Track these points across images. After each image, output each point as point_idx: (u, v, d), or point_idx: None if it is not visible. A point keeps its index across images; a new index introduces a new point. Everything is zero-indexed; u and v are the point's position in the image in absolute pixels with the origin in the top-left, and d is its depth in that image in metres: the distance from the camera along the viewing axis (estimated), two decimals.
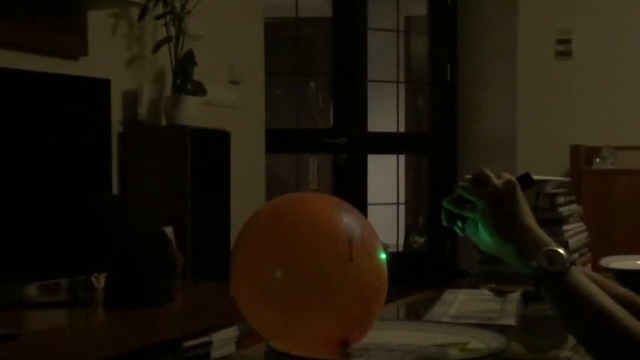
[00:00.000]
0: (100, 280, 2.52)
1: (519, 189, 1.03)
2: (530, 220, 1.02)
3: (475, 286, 1.66)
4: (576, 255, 1.74)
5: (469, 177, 1.07)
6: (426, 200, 6.04)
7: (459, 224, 1.09)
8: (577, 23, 5.20)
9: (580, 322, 0.94)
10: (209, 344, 2.68)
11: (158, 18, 3.42)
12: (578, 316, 0.94)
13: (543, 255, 0.96)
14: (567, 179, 1.95)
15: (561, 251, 0.96)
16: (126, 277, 2.44)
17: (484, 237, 1.05)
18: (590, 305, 0.93)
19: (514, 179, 1.04)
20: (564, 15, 5.23)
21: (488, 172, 1.04)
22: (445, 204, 1.09)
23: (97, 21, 3.22)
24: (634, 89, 5.09)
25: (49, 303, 2.48)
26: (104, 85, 2.90)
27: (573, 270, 0.96)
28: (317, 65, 6.71)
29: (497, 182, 1.03)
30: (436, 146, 5.80)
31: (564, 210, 1.77)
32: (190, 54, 3.45)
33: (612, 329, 0.91)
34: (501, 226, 1.02)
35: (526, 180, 1.06)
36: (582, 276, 0.96)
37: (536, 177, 1.10)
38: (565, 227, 1.74)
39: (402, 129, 6.15)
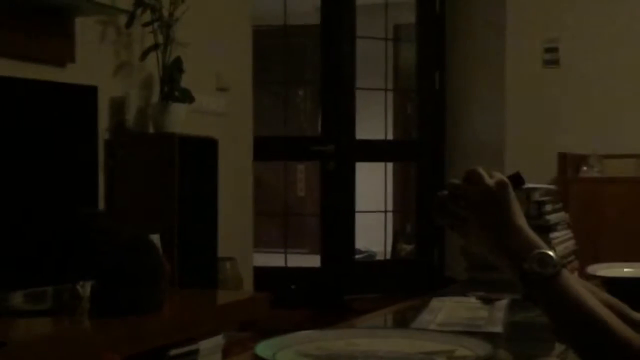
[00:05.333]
0: (85, 288, 2.50)
1: (510, 189, 1.02)
2: (521, 221, 1.01)
3: (463, 293, 1.66)
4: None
5: (457, 182, 1.06)
6: (414, 207, 6.04)
7: (449, 221, 1.07)
8: (564, 32, 5.23)
9: (570, 325, 0.94)
10: (195, 352, 2.66)
11: (145, 25, 3.41)
12: (568, 319, 0.94)
13: (534, 257, 0.96)
14: (554, 187, 1.96)
15: (552, 254, 0.96)
16: (113, 285, 2.43)
17: (474, 236, 1.04)
18: (580, 309, 0.93)
19: (505, 178, 1.03)
20: (551, 24, 5.26)
21: (480, 170, 1.03)
22: (436, 200, 1.06)
23: (85, 28, 3.21)
24: (621, 97, 5.11)
25: (34, 311, 2.46)
26: (90, 92, 2.89)
27: (564, 273, 0.95)
28: (305, 72, 6.73)
29: (489, 181, 1.02)
30: (424, 154, 5.81)
31: (551, 218, 1.78)
32: (177, 61, 3.44)
33: (602, 333, 0.91)
34: (492, 226, 1.01)
35: (517, 179, 1.05)
36: (573, 279, 0.96)
37: (523, 186, 1.09)
38: (553, 235, 1.75)
39: (390, 137, 6.16)
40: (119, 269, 2.42)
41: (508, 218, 1.00)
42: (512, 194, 1.02)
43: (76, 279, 2.48)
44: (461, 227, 1.04)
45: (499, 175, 1.03)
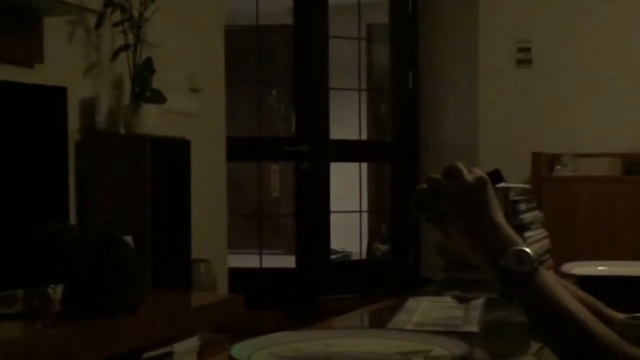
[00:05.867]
0: (56, 291, 2.47)
1: (489, 185, 1.02)
2: (499, 217, 1.00)
3: (438, 293, 1.65)
4: None
5: (436, 176, 1.05)
6: (388, 207, 6.05)
7: (428, 216, 1.05)
8: (537, 31, 5.26)
9: (545, 322, 0.94)
10: (170, 354, 2.64)
11: (115, 25, 3.38)
12: (544, 316, 0.94)
13: (511, 254, 0.95)
14: (528, 186, 1.96)
15: (529, 251, 0.95)
16: (87, 287, 2.40)
17: (452, 232, 1.03)
18: (556, 306, 0.93)
19: (485, 174, 1.03)
20: (524, 23, 5.29)
21: (460, 165, 1.02)
22: (415, 194, 1.05)
23: (53, 28, 3.17)
24: (593, 96, 5.15)
25: (4, 315, 2.42)
26: (60, 93, 2.86)
27: (541, 270, 0.95)
28: (278, 72, 6.71)
29: (468, 176, 1.01)
30: (398, 153, 5.81)
31: (526, 217, 1.78)
32: (148, 61, 3.41)
33: (577, 331, 0.91)
34: (470, 222, 1.00)
35: (496, 176, 1.05)
36: (549, 277, 0.96)
37: (498, 185, 1.09)
38: (527, 234, 1.75)
39: (364, 137, 6.16)
40: (92, 270, 2.39)
41: (486, 214, 0.99)
42: (491, 190, 1.01)
43: (47, 282, 2.45)
44: (439, 221, 1.03)
45: (478, 171, 1.02)
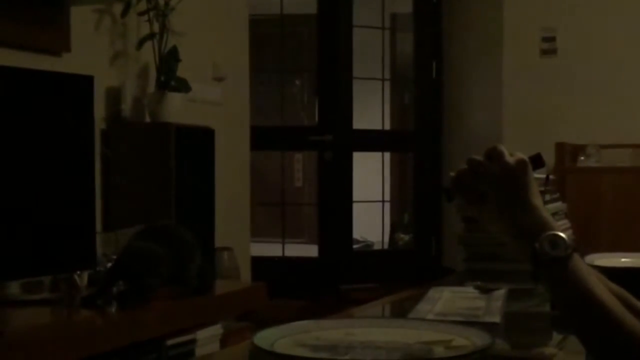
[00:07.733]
0: (82, 278, 2.50)
1: (530, 169, 1.03)
2: (537, 200, 1.01)
3: (461, 283, 1.66)
4: None
5: (477, 158, 1.05)
6: (411, 197, 6.04)
7: (467, 197, 1.06)
8: (562, 21, 5.22)
9: (574, 309, 0.94)
10: (193, 341, 2.66)
11: (141, 14, 3.40)
12: (573, 303, 0.94)
13: (546, 238, 0.96)
14: (551, 177, 1.95)
15: (564, 236, 0.96)
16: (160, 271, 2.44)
17: (490, 213, 1.03)
18: (586, 294, 0.93)
19: (526, 157, 1.04)
20: (549, 13, 5.25)
21: (502, 147, 1.03)
22: (454, 176, 1.06)
23: (80, 16, 3.19)
24: (618, 86, 5.11)
25: (31, 301, 2.45)
26: (86, 82, 2.87)
27: (574, 257, 0.95)
28: (302, 62, 6.71)
29: (509, 158, 1.02)
30: (421, 143, 5.80)
31: (549, 208, 1.77)
32: (173, 50, 3.43)
33: (605, 319, 0.92)
34: (508, 203, 1.01)
35: (537, 161, 1.06)
36: (582, 265, 0.96)
37: (543, 167, 1.10)
38: None
39: (387, 126, 6.15)
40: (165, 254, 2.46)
41: (525, 196, 1.00)
42: (531, 173, 1.02)
43: (78, 268, 2.48)
44: (477, 203, 1.04)
45: (519, 154, 1.03)
